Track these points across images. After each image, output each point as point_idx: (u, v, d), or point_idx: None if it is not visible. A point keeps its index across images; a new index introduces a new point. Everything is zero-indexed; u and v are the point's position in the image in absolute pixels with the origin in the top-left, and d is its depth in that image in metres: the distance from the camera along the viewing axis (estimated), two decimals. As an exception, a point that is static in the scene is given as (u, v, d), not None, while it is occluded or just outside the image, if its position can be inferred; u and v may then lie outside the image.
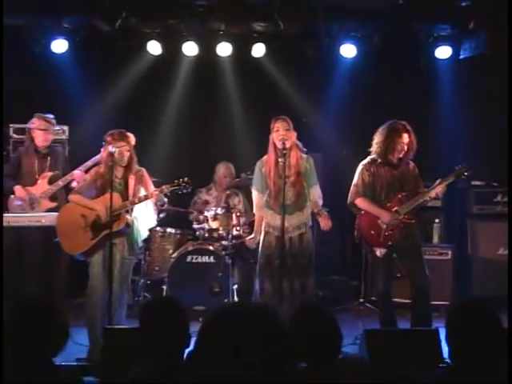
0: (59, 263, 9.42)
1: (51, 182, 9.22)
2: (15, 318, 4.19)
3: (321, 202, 8.46)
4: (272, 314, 2.35)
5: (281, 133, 8.14)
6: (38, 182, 9.28)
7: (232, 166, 10.87)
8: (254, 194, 8.49)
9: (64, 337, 4.19)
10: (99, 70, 11.12)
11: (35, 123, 9.35)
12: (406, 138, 8.08)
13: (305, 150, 8.40)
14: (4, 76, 10.90)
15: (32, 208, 9.12)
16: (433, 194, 8.08)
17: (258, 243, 8.44)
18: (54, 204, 9.07)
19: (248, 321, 2.31)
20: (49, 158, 9.41)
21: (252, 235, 8.59)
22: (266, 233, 8.35)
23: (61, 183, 9.13)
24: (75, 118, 10.60)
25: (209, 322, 2.37)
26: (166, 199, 8.72)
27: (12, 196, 9.16)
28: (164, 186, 7.93)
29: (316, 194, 8.40)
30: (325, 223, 8.29)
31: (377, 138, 8.18)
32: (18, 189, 9.20)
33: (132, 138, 7.99)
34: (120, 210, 7.71)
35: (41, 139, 9.33)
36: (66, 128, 10.59)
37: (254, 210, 8.58)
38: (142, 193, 7.90)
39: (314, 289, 8.46)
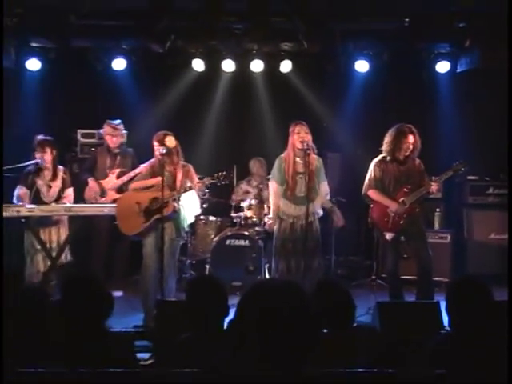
0: (122, 246, 9.51)
1: (119, 177, 9.33)
2: (65, 291, 4.21)
3: (328, 197, 8.51)
4: (298, 288, 2.36)
5: (301, 135, 8.16)
6: (109, 176, 9.38)
7: (263, 160, 10.88)
8: (273, 185, 8.47)
9: (109, 305, 4.20)
10: (152, 84, 11.17)
11: (104, 129, 9.50)
12: (411, 138, 8.05)
13: (316, 151, 8.39)
14: (72, 90, 10.99)
15: (101, 198, 9.26)
16: (434, 186, 8.05)
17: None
18: (119, 195, 9.12)
19: (279, 294, 2.32)
20: (118, 157, 9.53)
21: (271, 220, 8.61)
22: (282, 220, 8.36)
23: (125, 178, 9.21)
24: (132, 125, 10.63)
25: (247, 294, 2.37)
26: (206, 190, 8.77)
27: (87, 188, 9.32)
28: (205, 179, 8.02)
29: (323, 189, 8.43)
30: (337, 220, 8.37)
31: (386, 139, 8.16)
32: (91, 181, 9.41)
33: (168, 141, 7.99)
34: (168, 199, 7.77)
35: (109, 142, 9.50)
36: (124, 133, 10.66)
37: (271, 199, 8.56)
38: (188, 185, 7.96)
39: (322, 268, 8.43)
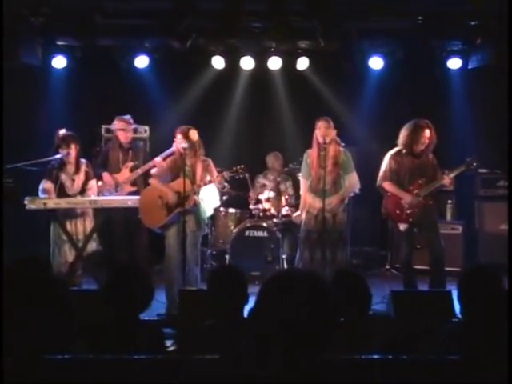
0: (140, 237, 9.51)
1: (132, 170, 9.31)
2: (110, 282, 4.24)
3: (358, 186, 8.51)
4: (317, 278, 2.36)
5: (322, 130, 8.22)
6: (122, 170, 9.37)
7: (280, 154, 10.89)
8: (301, 181, 8.60)
9: (149, 297, 4.24)
10: (174, 80, 11.19)
11: (116, 125, 9.45)
12: (427, 133, 8.03)
13: (343, 144, 8.43)
14: (96, 86, 11.04)
15: (116, 191, 9.23)
16: (447, 180, 8.05)
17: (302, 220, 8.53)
18: (133, 188, 9.18)
19: (299, 282, 2.32)
20: (130, 151, 9.48)
21: (298, 213, 8.66)
22: (308, 212, 8.42)
23: (139, 171, 9.22)
24: (154, 120, 10.69)
25: (267, 283, 2.38)
26: (226, 183, 8.80)
27: (100, 183, 9.26)
28: (224, 172, 8.06)
29: (352, 179, 8.44)
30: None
31: (403, 132, 8.14)
32: (105, 175, 9.31)
33: (192, 134, 8.04)
34: (188, 193, 7.80)
35: (122, 137, 9.42)
36: (147, 128, 10.71)
37: (301, 193, 8.63)
38: (208, 178, 8.00)
39: (344, 259, 8.44)
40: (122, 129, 9.41)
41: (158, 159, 8.88)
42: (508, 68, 9.08)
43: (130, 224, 9.14)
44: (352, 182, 8.43)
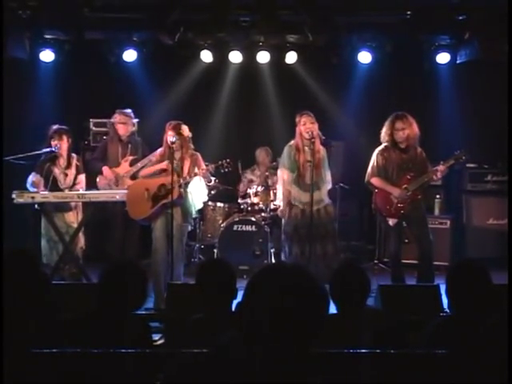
0: (133, 231, 9.47)
1: (131, 164, 9.24)
2: (106, 278, 4.21)
3: (329, 186, 8.59)
4: (305, 271, 2.35)
5: (307, 126, 8.27)
6: (122, 164, 9.32)
7: (269, 149, 10.88)
8: (284, 173, 8.56)
9: (143, 298, 4.21)
10: (162, 74, 11.16)
11: (116, 118, 9.40)
12: (404, 121, 8.01)
13: (323, 138, 8.45)
14: (84, 80, 11.01)
15: (117, 185, 9.15)
16: (437, 174, 8.07)
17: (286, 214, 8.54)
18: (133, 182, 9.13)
19: (287, 276, 2.32)
20: (129, 145, 9.42)
21: (282, 207, 8.65)
22: (293, 206, 8.44)
23: (139, 165, 9.14)
24: (143, 114, 10.63)
25: (255, 278, 2.37)
26: (212, 177, 8.80)
27: (100, 176, 9.23)
28: (209, 166, 8.06)
29: (329, 176, 8.52)
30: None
31: (383, 129, 8.17)
32: (105, 169, 9.25)
33: (185, 130, 8.05)
34: (174, 184, 7.78)
35: (122, 131, 9.36)
36: (135, 122, 10.64)
37: (281, 187, 8.63)
38: (194, 171, 8.01)
39: (336, 253, 8.47)
40: (123, 122, 9.37)
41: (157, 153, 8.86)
42: (508, 64, 9.07)
43: (123, 218, 9.08)
44: (329, 177, 8.53)
